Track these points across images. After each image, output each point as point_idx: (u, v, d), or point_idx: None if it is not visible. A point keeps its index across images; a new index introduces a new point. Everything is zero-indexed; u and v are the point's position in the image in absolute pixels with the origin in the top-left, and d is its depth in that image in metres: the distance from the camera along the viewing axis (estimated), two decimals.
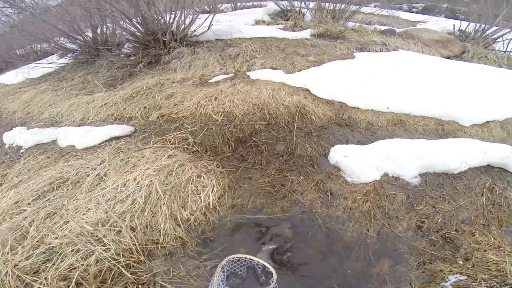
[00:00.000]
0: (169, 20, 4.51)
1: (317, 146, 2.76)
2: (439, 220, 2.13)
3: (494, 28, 6.13)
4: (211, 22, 4.95)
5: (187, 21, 4.66)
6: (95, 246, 1.71)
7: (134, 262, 1.71)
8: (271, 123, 2.99)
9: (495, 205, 2.30)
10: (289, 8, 7.28)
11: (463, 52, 5.62)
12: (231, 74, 3.99)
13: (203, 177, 2.39)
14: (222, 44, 5.03)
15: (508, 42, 5.88)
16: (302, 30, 6.00)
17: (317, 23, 6.18)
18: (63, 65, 5.35)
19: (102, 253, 1.67)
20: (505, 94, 3.59)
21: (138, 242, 1.77)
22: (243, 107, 3.05)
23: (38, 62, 5.53)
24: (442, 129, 2.98)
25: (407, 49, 5.15)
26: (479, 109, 3.16)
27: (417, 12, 9.41)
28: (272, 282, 1.44)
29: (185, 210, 2.12)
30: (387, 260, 1.90)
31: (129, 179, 2.23)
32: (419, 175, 2.43)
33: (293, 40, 5.32)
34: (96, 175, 2.36)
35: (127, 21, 4.16)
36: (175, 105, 3.23)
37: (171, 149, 2.61)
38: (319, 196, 2.32)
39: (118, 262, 1.66)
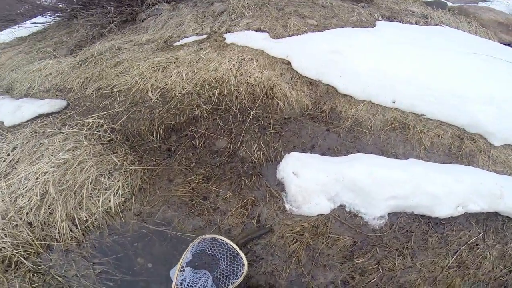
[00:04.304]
0: None
1: (268, 148, 1.99)
2: (373, 280, 1.52)
3: None
4: None
5: None
6: None
7: (34, 253, 1.73)
8: (221, 107, 2.24)
9: (461, 267, 1.59)
10: None
11: None
12: (204, 36, 3.20)
13: (107, 177, 1.94)
14: None
15: None
16: None
17: None
18: (49, 23, 4.96)
19: (1, 244, 1.70)
20: None
21: (36, 237, 1.76)
22: (188, 84, 2.33)
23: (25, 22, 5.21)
24: (459, 146, 1.96)
25: (455, 27, 3.75)
26: None
27: None
28: (241, 275, 1.40)
29: (83, 212, 1.84)
30: None
31: (31, 172, 1.98)
32: (388, 214, 1.60)
33: None
34: (10, 161, 2.12)
35: None
36: (117, 75, 2.62)
37: (83, 137, 2.10)
38: (242, 223, 1.70)
39: (18, 252, 1.69)
